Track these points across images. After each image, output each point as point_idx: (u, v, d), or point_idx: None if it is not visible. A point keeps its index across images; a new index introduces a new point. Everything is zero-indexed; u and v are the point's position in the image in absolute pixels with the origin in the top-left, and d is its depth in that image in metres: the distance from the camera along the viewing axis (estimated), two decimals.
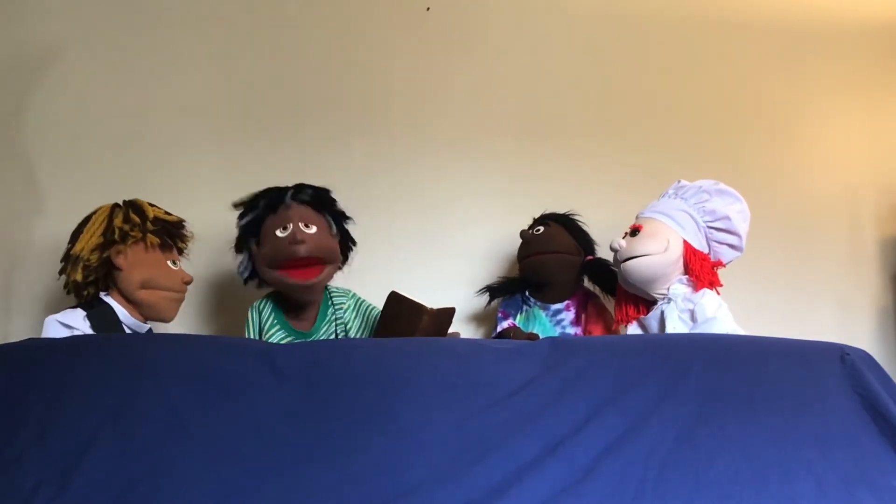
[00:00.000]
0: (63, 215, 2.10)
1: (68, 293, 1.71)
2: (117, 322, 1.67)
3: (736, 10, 2.40)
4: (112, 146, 2.18)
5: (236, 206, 1.80)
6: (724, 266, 1.74)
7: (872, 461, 1.17)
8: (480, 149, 2.27)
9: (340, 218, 1.84)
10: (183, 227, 1.79)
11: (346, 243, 1.86)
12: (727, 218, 1.69)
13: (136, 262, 1.67)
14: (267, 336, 1.78)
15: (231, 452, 1.14)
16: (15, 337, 1.62)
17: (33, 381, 1.22)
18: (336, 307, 1.83)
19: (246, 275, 1.80)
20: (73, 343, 1.37)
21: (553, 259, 1.88)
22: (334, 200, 1.82)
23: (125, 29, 2.25)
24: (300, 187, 1.79)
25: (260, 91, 2.26)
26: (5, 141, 2.16)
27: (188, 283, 1.75)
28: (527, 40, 2.35)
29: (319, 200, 1.79)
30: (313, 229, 1.73)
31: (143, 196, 2.00)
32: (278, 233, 1.71)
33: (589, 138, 2.30)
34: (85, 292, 1.68)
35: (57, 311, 1.66)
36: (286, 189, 1.79)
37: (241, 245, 1.79)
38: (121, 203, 1.73)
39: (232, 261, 2.12)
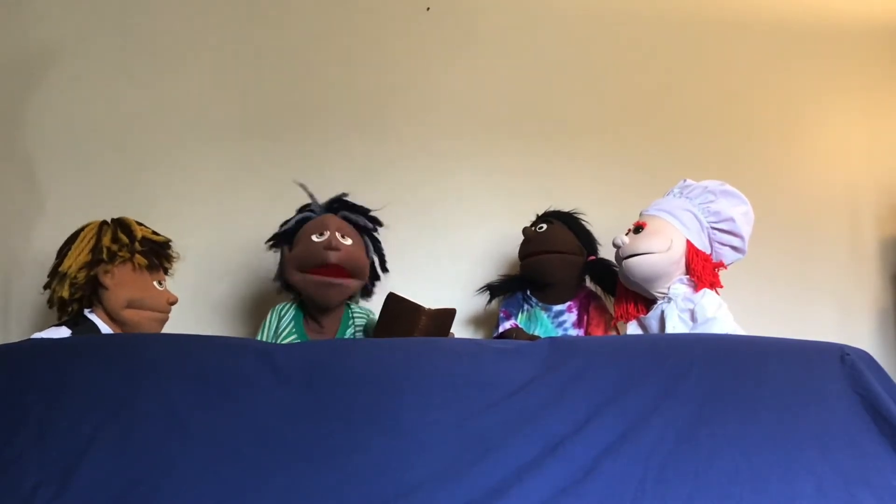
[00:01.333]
0: (63, 216, 2.11)
1: (51, 308, 1.71)
2: None
3: (736, 10, 2.40)
4: (112, 146, 2.19)
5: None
6: (726, 268, 1.74)
7: (872, 461, 1.17)
8: (481, 149, 2.27)
9: (378, 244, 1.88)
10: (170, 247, 1.80)
11: (376, 272, 1.90)
12: (731, 220, 1.69)
13: (122, 282, 1.67)
14: (280, 341, 1.78)
15: (231, 452, 1.14)
16: (14, 338, 1.62)
17: (33, 382, 1.22)
18: (357, 328, 1.83)
19: (277, 275, 1.85)
20: (73, 343, 1.37)
21: (555, 259, 1.87)
22: (375, 225, 1.87)
23: (125, 30, 2.25)
24: (345, 203, 1.85)
25: (260, 91, 2.26)
26: (5, 141, 2.16)
27: (173, 303, 1.75)
28: (527, 40, 2.35)
29: (359, 222, 1.84)
30: (349, 241, 1.76)
31: (144, 197, 2.01)
32: (314, 237, 1.74)
33: (589, 138, 2.30)
34: (69, 308, 1.67)
35: (54, 313, 1.66)
36: (333, 202, 1.85)
37: (277, 245, 1.84)
38: (108, 221, 1.73)
39: (232, 262, 2.13)
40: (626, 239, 1.71)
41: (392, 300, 1.63)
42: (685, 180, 1.78)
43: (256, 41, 2.29)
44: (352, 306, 1.88)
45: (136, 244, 1.69)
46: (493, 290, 1.94)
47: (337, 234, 1.75)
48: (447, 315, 1.63)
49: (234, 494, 1.09)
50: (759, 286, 2.19)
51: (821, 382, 1.26)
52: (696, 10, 2.40)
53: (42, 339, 1.50)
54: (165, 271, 1.79)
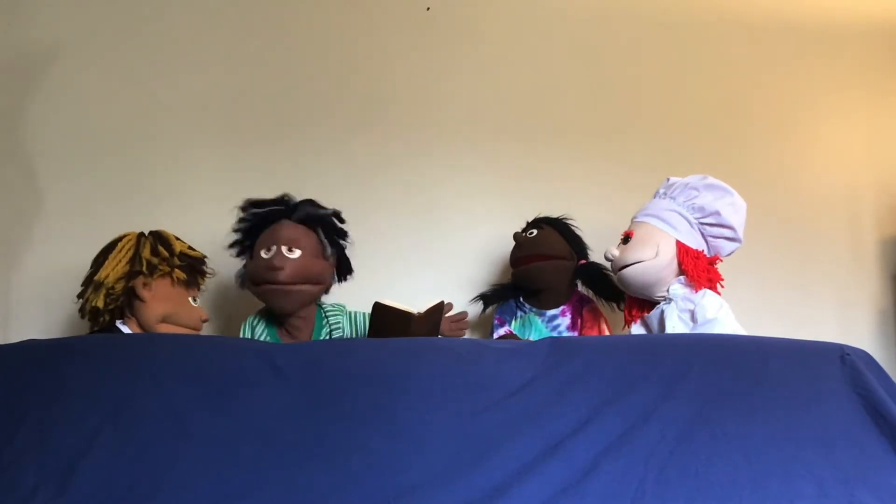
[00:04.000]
0: (63, 215, 2.11)
1: (83, 317, 1.70)
2: None
3: (735, 10, 2.40)
4: (112, 146, 2.18)
5: (242, 208, 1.79)
6: (722, 260, 1.73)
7: (872, 461, 1.17)
8: (481, 150, 2.27)
9: (341, 237, 1.82)
10: (205, 263, 1.80)
11: (344, 266, 1.86)
12: (717, 213, 1.68)
13: (160, 296, 1.68)
14: None
15: (231, 452, 1.14)
16: (14, 338, 1.62)
17: (33, 382, 1.22)
18: (333, 326, 1.81)
19: (239, 283, 1.82)
20: (73, 343, 1.37)
21: (547, 266, 1.87)
22: (333, 223, 1.80)
23: (125, 29, 2.25)
24: (297, 206, 1.78)
25: (260, 91, 2.26)
26: (5, 141, 2.16)
27: (205, 321, 1.76)
28: (526, 41, 2.35)
29: (312, 220, 1.77)
30: (297, 253, 1.71)
31: (144, 197, 2.00)
32: (263, 253, 1.72)
33: (588, 139, 2.30)
34: (101, 319, 1.67)
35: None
36: (284, 205, 1.78)
37: (240, 251, 1.80)
38: (146, 233, 1.74)
39: (230, 261, 2.12)
40: (616, 251, 1.72)
41: (379, 310, 1.57)
42: (668, 179, 1.77)
43: (256, 42, 2.28)
44: (323, 306, 1.84)
45: (175, 258, 1.70)
46: (486, 299, 1.94)
47: (283, 248, 1.70)
48: (437, 311, 1.61)
49: (234, 494, 1.09)
50: (760, 286, 2.19)
51: (821, 382, 1.26)
52: (694, 11, 2.39)
53: (42, 340, 1.50)
54: (198, 288, 1.80)
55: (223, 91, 2.25)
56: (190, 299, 1.74)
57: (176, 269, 1.69)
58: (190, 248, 1.77)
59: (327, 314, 1.83)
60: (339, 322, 1.82)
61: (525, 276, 1.89)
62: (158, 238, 1.73)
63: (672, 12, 2.39)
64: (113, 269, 1.65)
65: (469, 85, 2.31)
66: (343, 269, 1.86)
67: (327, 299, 1.89)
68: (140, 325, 1.68)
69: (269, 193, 2.15)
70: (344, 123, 2.25)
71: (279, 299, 1.72)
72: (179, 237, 1.77)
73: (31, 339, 1.41)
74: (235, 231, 1.78)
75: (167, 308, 1.68)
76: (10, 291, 2.09)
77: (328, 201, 1.89)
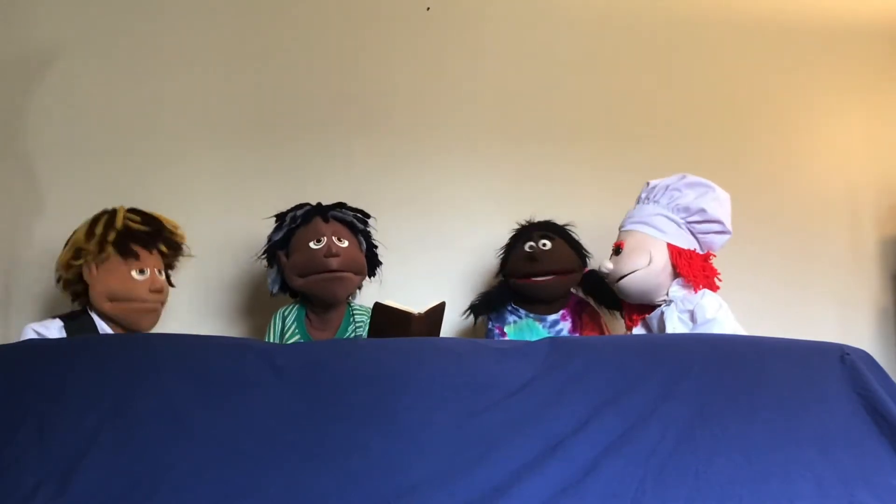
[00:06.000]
0: (63, 216, 2.10)
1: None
2: (95, 333, 1.63)
3: (736, 11, 2.40)
4: (112, 147, 2.18)
5: (276, 217, 1.85)
6: (716, 255, 1.72)
7: (872, 461, 1.17)
8: (480, 151, 2.27)
9: (369, 238, 1.91)
10: (160, 233, 1.73)
11: (373, 262, 1.93)
12: (702, 210, 1.68)
13: (100, 277, 1.63)
14: (285, 342, 1.80)
15: (231, 452, 1.14)
16: (14, 338, 1.62)
17: (33, 382, 1.22)
18: (357, 325, 1.84)
19: (276, 288, 1.85)
20: (73, 343, 1.37)
21: (566, 282, 1.88)
22: (366, 223, 1.89)
23: (125, 29, 2.25)
24: (335, 206, 1.86)
25: (260, 92, 2.26)
26: (5, 141, 2.16)
27: (158, 290, 1.68)
28: (527, 41, 2.35)
29: (351, 222, 1.85)
30: (345, 243, 1.80)
31: (144, 197, 2.00)
32: (312, 244, 1.77)
33: (589, 140, 2.30)
34: (77, 303, 1.66)
35: (54, 312, 1.66)
36: (320, 205, 1.85)
37: (270, 258, 1.84)
38: (104, 211, 1.71)
39: (231, 262, 2.12)
40: (610, 264, 1.72)
41: (379, 310, 1.57)
42: (648, 183, 1.77)
43: (256, 43, 2.28)
44: (352, 304, 1.90)
45: (111, 234, 1.64)
46: (477, 309, 1.93)
47: (334, 238, 1.78)
48: (437, 312, 1.60)
49: (234, 494, 1.09)
50: (760, 286, 2.19)
51: (821, 382, 1.26)
52: (695, 12, 2.40)
53: (42, 340, 1.50)
54: (162, 256, 1.73)
55: (224, 92, 2.25)
56: (134, 273, 1.65)
57: (108, 245, 1.62)
58: (148, 219, 1.71)
59: (354, 313, 1.87)
60: (363, 322, 1.85)
61: (542, 291, 1.87)
62: (107, 214, 1.68)
63: (672, 14, 2.39)
64: (63, 256, 1.64)
65: (469, 86, 2.31)
66: (373, 265, 1.94)
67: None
68: (94, 310, 1.64)
69: (269, 194, 2.16)
70: (343, 124, 2.25)
71: (333, 286, 1.78)
72: (141, 210, 1.74)
73: (31, 339, 1.42)
74: (277, 230, 1.83)
75: (107, 287, 1.63)
76: (10, 292, 2.09)
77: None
